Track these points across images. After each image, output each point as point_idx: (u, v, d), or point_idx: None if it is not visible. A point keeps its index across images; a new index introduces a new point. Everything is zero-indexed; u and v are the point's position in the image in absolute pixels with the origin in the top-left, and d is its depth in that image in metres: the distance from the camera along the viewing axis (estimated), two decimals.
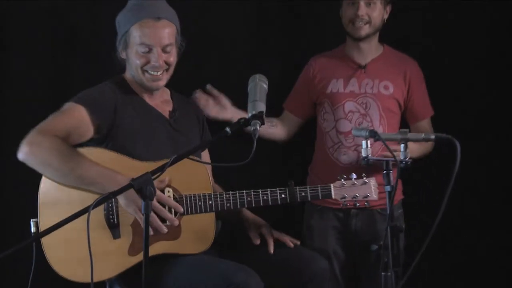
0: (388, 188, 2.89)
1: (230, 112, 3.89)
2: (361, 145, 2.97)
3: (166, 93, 3.57)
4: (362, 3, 3.86)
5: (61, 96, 3.34)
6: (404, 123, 4.01)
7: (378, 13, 3.91)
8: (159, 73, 3.37)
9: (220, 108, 3.90)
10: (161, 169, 2.69)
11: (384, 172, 2.89)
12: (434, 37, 4.18)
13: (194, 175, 3.25)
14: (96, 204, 2.63)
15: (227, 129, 2.77)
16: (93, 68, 3.91)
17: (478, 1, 4.11)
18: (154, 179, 2.68)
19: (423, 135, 2.87)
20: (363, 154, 2.95)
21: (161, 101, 3.52)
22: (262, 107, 2.79)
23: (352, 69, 3.98)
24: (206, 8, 4.10)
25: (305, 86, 4.08)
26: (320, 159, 4.03)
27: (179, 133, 3.46)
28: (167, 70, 3.40)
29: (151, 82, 3.40)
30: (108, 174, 3.13)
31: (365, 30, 3.92)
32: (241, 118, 2.81)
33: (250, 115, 2.77)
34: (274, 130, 4.08)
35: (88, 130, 3.27)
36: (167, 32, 3.33)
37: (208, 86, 3.87)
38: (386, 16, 3.96)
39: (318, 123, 4.08)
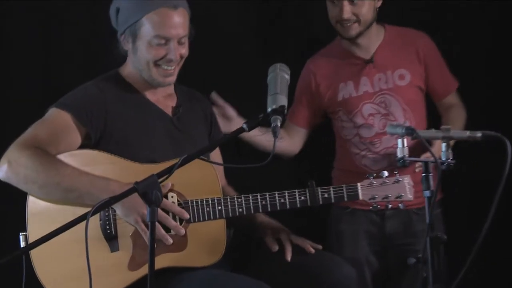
0: (427, 193, 2.70)
1: (236, 124, 3.62)
2: (396, 145, 2.77)
3: (170, 86, 3.34)
4: (345, 3, 3.61)
5: (61, 96, 3.25)
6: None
7: (367, 8, 3.65)
8: (172, 67, 3.18)
9: (226, 121, 3.63)
10: (169, 171, 2.51)
11: (423, 175, 2.70)
12: (433, 37, 4.00)
13: (200, 177, 3.05)
14: (96, 210, 2.48)
15: (244, 125, 2.57)
16: (93, 68, 3.80)
17: (478, 1, 4.03)
18: (161, 182, 2.49)
19: (468, 133, 2.70)
20: (399, 154, 2.74)
21: (164, 96, 3.30)
22: (283, 100, 2.57)
23: (358, 66, 3.75)
24: (207, 7, 4.03)
25: (309, 95, 3.85)
26: (345, 166, 3.82)
27: (182, 132, 3.25)
28: (178, 63, 3.20)
29: (162, 77, 3.19)
30: (100, 183, 2.94)
31: (354, 29, 3.68)
32: (259, 114, 2.60)
33: (270, 109, 2.55)
34: (281, 143, 3.82)
35: (76, 138, 3.08)
36: (183, 23, 3.15)
37: (213, 94, 3.63)
38: (379, 4, 3.70)
39: (335, 127, 3.85)
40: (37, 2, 3.93)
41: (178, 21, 3.12)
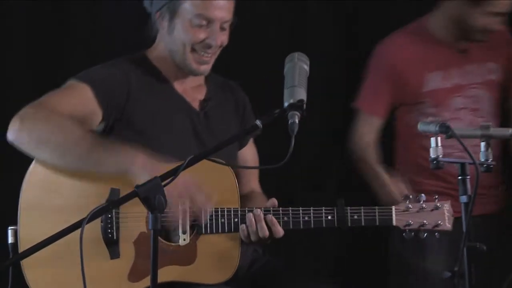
0: (464, 198, 2.52)
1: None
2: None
3: (200, 76, 3.15)
4: (498, 21, 3.55)
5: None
6: None
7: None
8: (209, 54, 3.00)
9: None
10: (174, 173, 2.36)
11: (459, 178, 2.54)
12: None
13: (218, 183, 2.90)
14: (92, 216, 2.32)
15: (258, 122, 2.42)
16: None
17: None
18: (165, 185, 2.34)
19: (510, 130, 2.57)
20: (432, 154, 2.56)
21: (192, 87, 3.12)
22: (302, 94, 2.43)
23: (450, 55, 3.63)
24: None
25: (389, 82, 3.67)
26: (419, 162, 3.61)
27: (207, 129, 3.06)
28: (215, 52, 3.03)
29: (197, 64, 3.01)
30: (125, 150, 2.74)
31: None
32: (275, 109, 2.45)
33: (287, 104, 2.41)
34: None
35: (95, 114, 2.92)
36: (229, 6, 2.99)
37: None
38: None
39: (403, 119, 3.68)
40: (36, 2, 4.00)
41: (224, 3, 2.97)
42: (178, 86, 3.08)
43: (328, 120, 4.26)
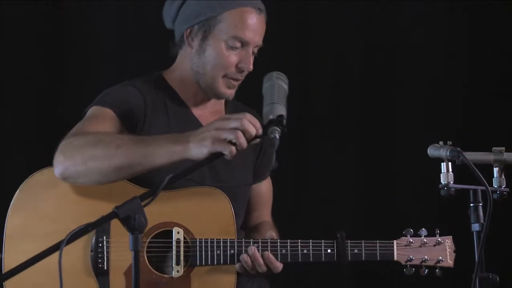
0: (476, 227, 2.45)
1: None
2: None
3: (220, 101, 3.10)
4: None
5: (58, 99, 3.57)
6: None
7: None
8: (238, 80, 2.96)
9: None
10: (152, 193, 2.34)
11: (472, 205, 2.48)
12: None
13: (214, 212, 2.89)
14: (71, 237, 2.25)
15: None
16: (91, 69, 4.02)
17: None
18: (145, 205, 2.30)
19: None
20: (442, 180, 2.48)
21: (211, 112, 3.06)
22: (281, 110, 2.47)
23: None
24: None
25: None
26: None
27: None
28: (242, 78, 3.00)
29: (225, 88, 2.97)
30: (165, 137, 2.65)
31: None
32: None
33: (266, 120, 2.46)
34: None
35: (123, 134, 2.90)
36: (262, 31, 2.97)
37: None
38: None
39: None
40: (36, 2, 4.05)
41: (260, 27, 2.95)
42: (196, 110, 3.04)
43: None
